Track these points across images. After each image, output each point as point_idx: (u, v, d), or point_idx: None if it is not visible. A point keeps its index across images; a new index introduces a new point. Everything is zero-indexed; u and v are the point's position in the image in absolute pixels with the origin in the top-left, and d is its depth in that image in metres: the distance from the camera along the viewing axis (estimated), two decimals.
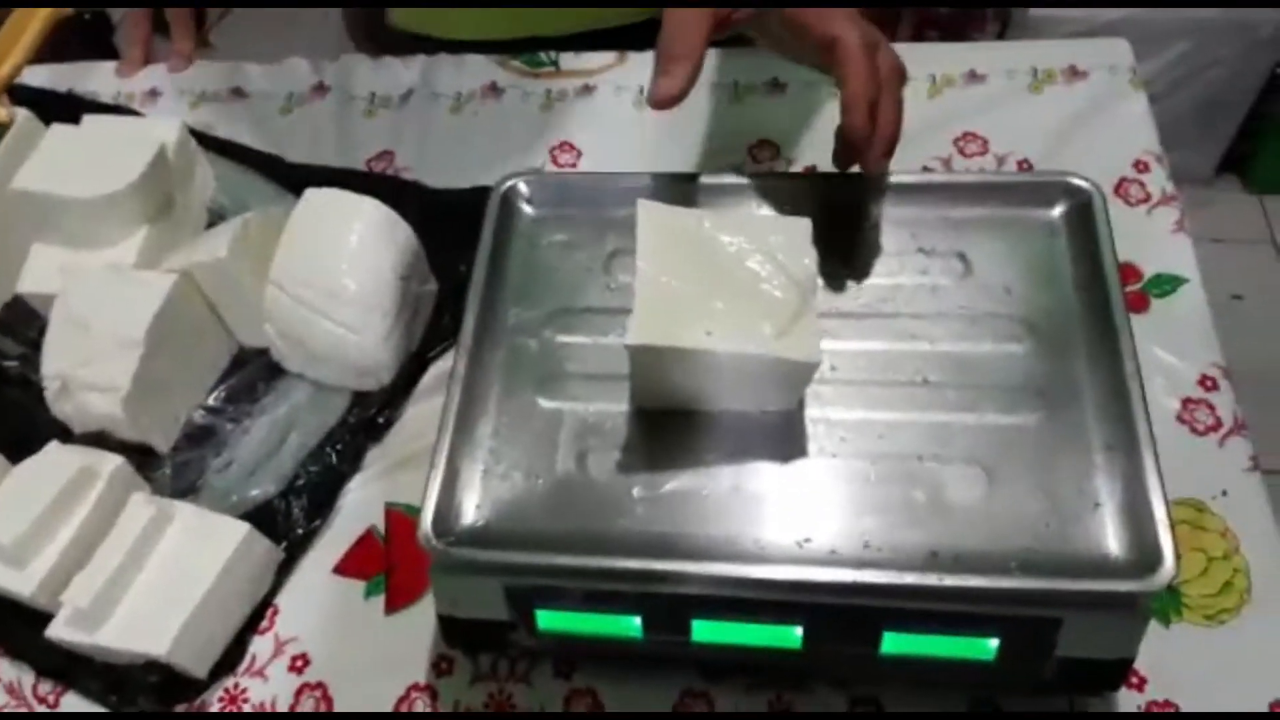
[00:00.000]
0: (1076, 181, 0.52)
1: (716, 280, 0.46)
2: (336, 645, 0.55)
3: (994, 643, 0.46)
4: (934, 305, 0.51)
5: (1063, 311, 0.50)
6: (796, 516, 0.46)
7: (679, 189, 0.55)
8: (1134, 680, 0.50)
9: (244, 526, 0.55)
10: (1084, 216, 0.52)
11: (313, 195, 0.63)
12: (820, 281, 0.49)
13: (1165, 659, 0.51)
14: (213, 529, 0.55)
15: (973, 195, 0.54)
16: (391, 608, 0.56)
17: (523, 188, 0.57)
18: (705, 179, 0.56)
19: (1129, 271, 0.63)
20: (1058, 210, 0.53)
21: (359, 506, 0.60)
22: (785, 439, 0.48)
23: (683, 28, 0.52)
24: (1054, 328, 0.50)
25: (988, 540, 0.44)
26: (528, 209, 0.57)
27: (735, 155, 0.72)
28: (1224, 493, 0.55)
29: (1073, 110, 0.71)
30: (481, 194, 0.68)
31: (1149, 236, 0.65)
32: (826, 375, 0.49)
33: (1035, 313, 0.50)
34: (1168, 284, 0.63)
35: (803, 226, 0.47)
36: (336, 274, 0.61)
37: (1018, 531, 0.44)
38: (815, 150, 0.71)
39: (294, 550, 0.59)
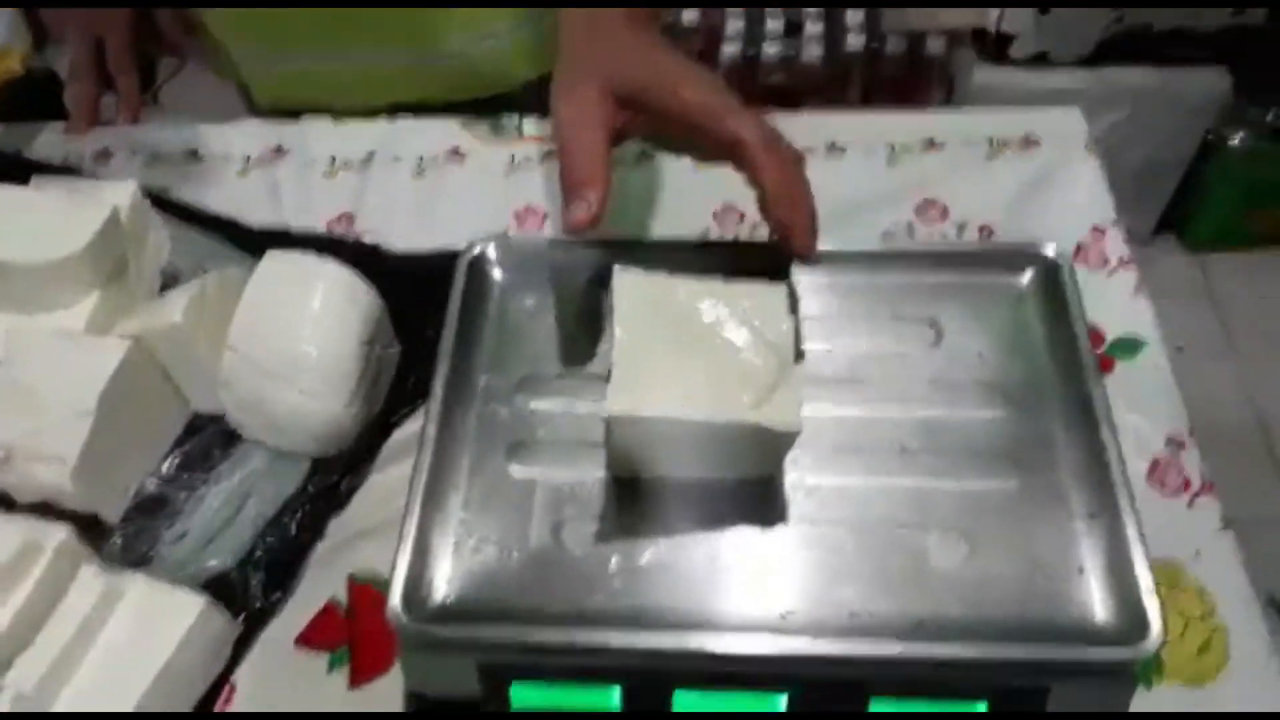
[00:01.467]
0: (1044, 250, 0.53)
1: (694, 348, 0.45)
2: None
3: (981, 707, 0.45)
4: (908, 371, 0.51)
5: (1035, 376, 0.50)
6: (778, 586, 0.45)
7: (650, 254, 0.55)
8: None
9: (201, 599, 0.53)
10: (1052, 283, 0.53)
11: (273, 257, 0.61)
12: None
13: None
14: (167, 602, 0.53)
15: (943, 263, 0.54)
16: (356, 682, 0.54)
17: (492, 252, 0.56)
18: (676, 244, 0.56)
19: (1092, 335, 0.64)
20: (1026, 277, 0.54)
21: (320, 576, 0.58)
22: (764, 506, 0.47)
23: (583, 153, 0.51)
24: (1027, 393, 0.50)
25: (972, 607, 0.44)
26: (497, 273, 0.56)
27: (699, 221, 0.72)
28: (1197, 553, 0.56)
29: (1029, 177, 0.73)
30: (445, 258, 0.67)
31: (1109, 300, 0.66)
32: (804, 441, 0.48)
33: (1008, 378, 0.51)
34: (1130, 347, 0.64)
35: (779, 293, 0.47)
36: (298, 339, 0.59)
37: (1002, 598, 0.44)
38: None
39: (252, 623, 0.56)
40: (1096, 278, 0.67)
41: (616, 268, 0.47)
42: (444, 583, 0.45)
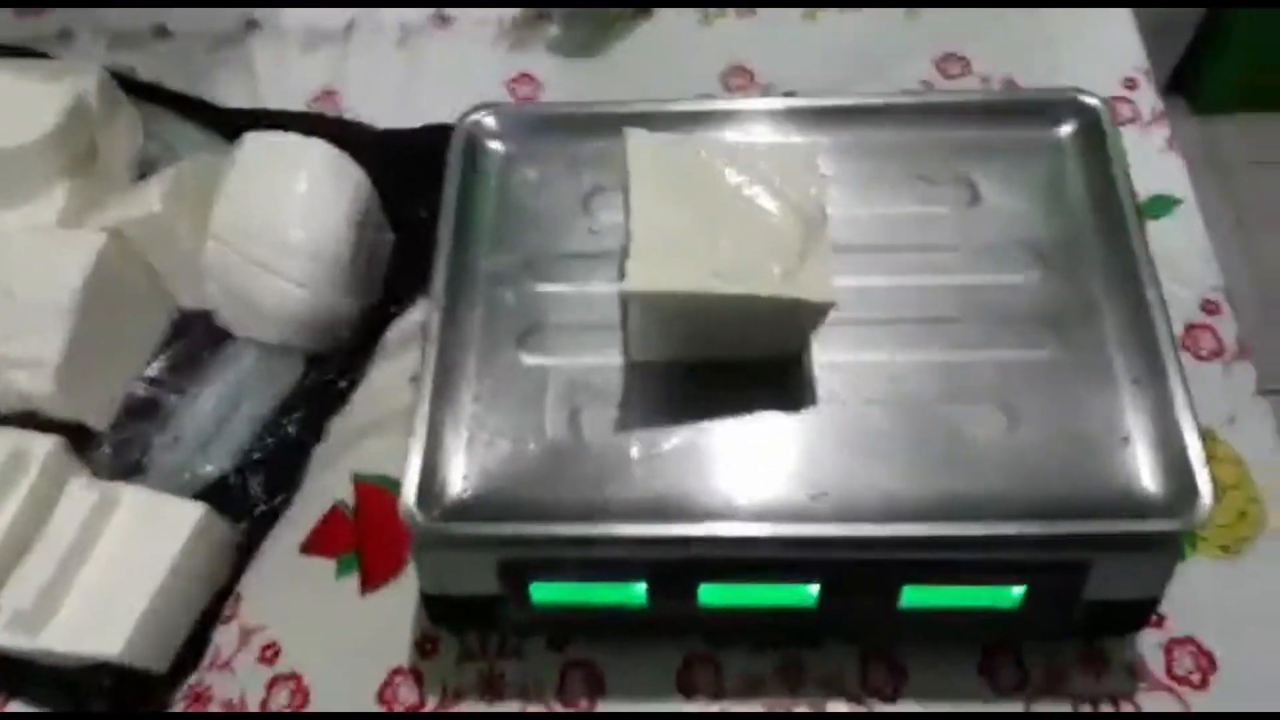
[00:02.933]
0: (1084, 98, 0.49)
1: (717, 216, 0.42)
2: (308, 631, 0.51)
3: (1018, 591, 0.43)
4: (940, 236, 0.48)
5: (1075, 236, 0.47)
6: (808, 469, 0.42)
7: (660, 119, 0.51)
8: (1153, 619, 0.48)
9: (200, 507, 0.51)
10: (1093, 134, 0.49)
11: (254, 139, 0.57)
12: None
13: (1184, 594, 0.48)
14: (164, 511, 0.51)
15: (974, 116, 0.51)
16: (366, 587, 0.52)
17: (489, 122, 0.52)
18: (688, 105, 0.52)
19: None
20: (1065, 129, 0.50)
21: (324, 480, 0.55)
22: (792, 387, 0.44)
23: None
24: (1067, 253, 0.47)
25: (1013, 484, 0.42)
26: (496, 145, 0.52)
27: (707, 83, 0.67)
28: (1231, 419, 0.54)
29: (1057, 27, 0.68)
30: (436, 133, 0.63)
31: (1142, 157, 0.62)
32: (832, 315, 0.45)
33: (1047, 238, 0.47)
34: (1163, 206, 0.61)
35: (806, 153, 0.43)
36: (284, 224, 0.55)
37: (1044, 472, 0.42)
38: (792, 76, 0.67)
39: (255, 531, 0.54)
40: (1128, 133, 0.63)
41: (627, 129, 0.43)
42: (459, 479, 0.43)
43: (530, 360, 0.46)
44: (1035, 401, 0.43)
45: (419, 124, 0.66)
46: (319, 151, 0.57)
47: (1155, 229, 0.60)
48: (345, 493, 0.55)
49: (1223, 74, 1.67)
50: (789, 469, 0.43)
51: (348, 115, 0.68)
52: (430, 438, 0.43)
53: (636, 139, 0.43)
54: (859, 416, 0.43)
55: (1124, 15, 0.68)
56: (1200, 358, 0.55)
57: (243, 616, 0.52)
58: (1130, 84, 0.65)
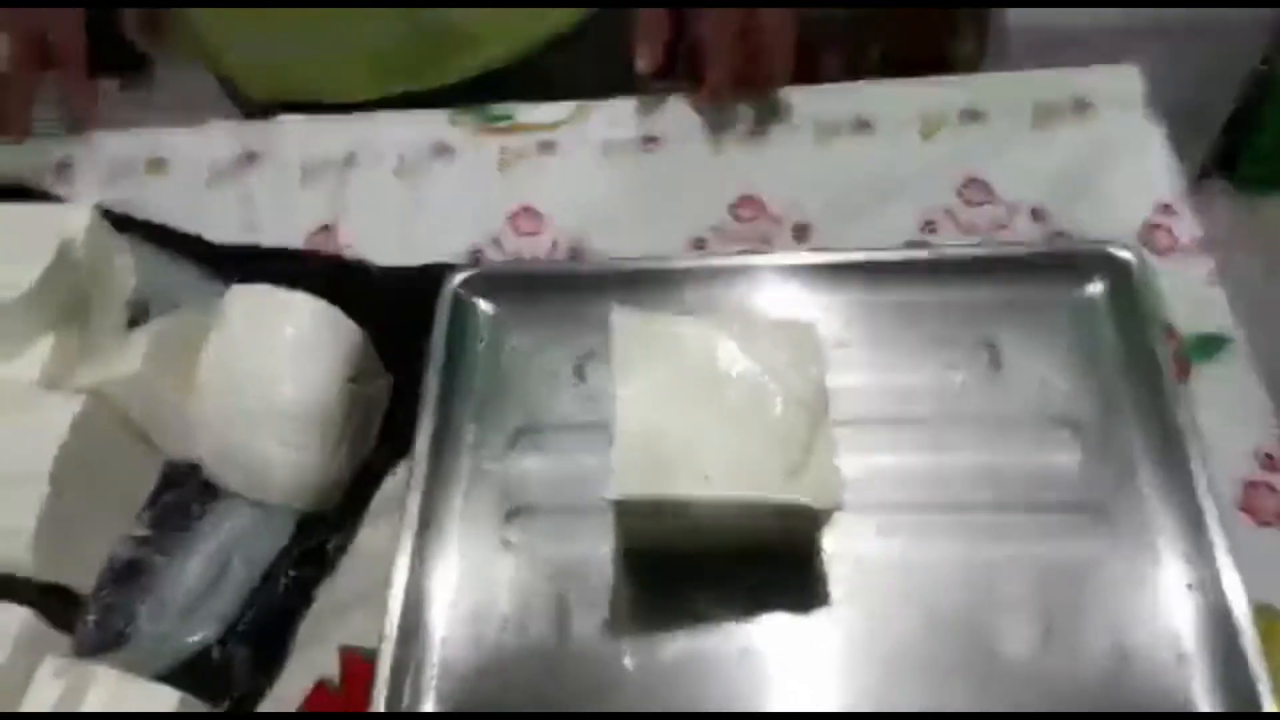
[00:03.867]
0: (1117, 252, 0.46)
1: (709, 405, 0.38)
2: None
3: None
4: (960, 408, 0.44)
5: (1111, 407, 0.43)
6: (821, 689, 0.39)
7: (655, 276, 0.48)
8: None
9: (174, 695, 0.47)
10: (1126, 291, 0.45)
11: (239, 293, 0.55)
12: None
13: None
14: (139, 699, 0.47)
15: (997, 271, 0.47)
16: None
17: (478, 281, 0.49)
18: (686, 263, 0.49)
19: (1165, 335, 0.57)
20: (1096, 286, 0.46)
21: (309, 650, 0.52)
22: (802, 584, 0.41)
23: None
24: (1103, 429, 0.43)
25: (1052, 707, 0.37)
26: (485, 305, 0.49)
27: (716, 214, 0.65)
28: None
29: (1083, 148, 0.65)
30: (435, 272, 0.61)
31: (1182, 292, 0.58)
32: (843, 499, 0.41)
33: (1079, 410, 0.44)
34: (1209, 346, 0.56)
35: (807, 332, 0.40)
36: (272, 384, 0.53)
37: (1087, 695, 0.37)
38: (802, 206, 0.64)
39: (240, 708, 0.51)
40: (1166, 264, 0.59)
41: (615, 309, 0.40)
42: (433, 686, 0.40)
43: (516, 546, 0.43)
44: (1073, 608, 0.39)
45: (419, 258, 0.64)
46: (308, 306, 0.54)
47: (1203, 373, 0.56)
48: (331, 665, 0.52)
49: (1263, 149, 1.63)
50: (799, 688, 0.39)
51: (348, 252, 0.66)
52: (402, 635, 0.40)
53: (623, 321, 0.40)
54: (877, 622, 0.40)
55: (1157, 135, 0.65)
56: (1261, 522, 0.51)
57: None
58: (1167, 209, 0.61)
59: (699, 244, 0.63)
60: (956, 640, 0.39)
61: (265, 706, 0.51)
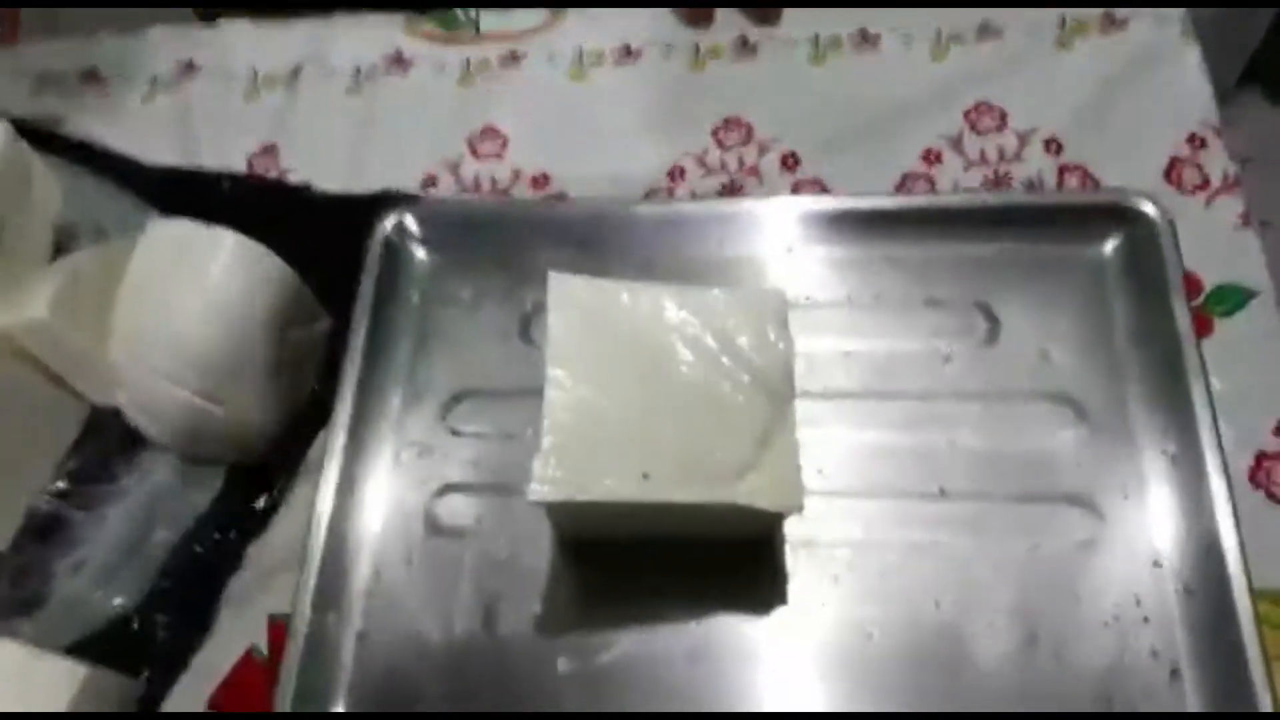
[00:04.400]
0: (1138, 204, 0.40)
1: (655, 388, 0.33)
2: None
3: None
4: (950, 381, 0.39)
5: (1121, 388, 0.38)
6: (778, 699, 0.34)
7: (613, 223, 0.42)
8: None
9: (80, 670, 0.44)
10: (1145, 251, 0.40)
11: (157, 230, 0.50)
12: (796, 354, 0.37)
13: None
14: (44, 673, 0.44)
15: (997, 225, 0.41)
16: None
17: (412, 224, 0.44)
18: (648, 208, 0.43)
19: (1188, 284, 0.51)
20: (1109, 244, 0.40)
21: (238, 617, 0.48)
22: (759, 580, 0.36)
23: None
24: (1110, 412, 0.38)
25: (1032, 707, 0.33)
26: (421, 252, 0.44)
27: (698, 139, 0.58)
28: None
29: (1110, 72, 0.58)
30: (385, 202, 0.55)
31: (1209, 235, 0.52)
32: (810, 482, 0.37)
33: (1083, 389, 0.38)
34: (1233, 298, 0.51)
35: (774, 303, 0.35)
36: (192, 333, 0.48)
37: (1070, 694, 0.33)
38: (794, 130, 0.58)
39: (159, 678, 0.47)
40: (1193, 205, 0.53)
41: (552, 275, 0.35)
42: (342, 692, 0.36)
43: (444, 531, 0.38)
44: (1062, 613, 0.35)
45: (368, 184, 0.58)
46: (232, 245, 0.49)
47: (1224, 329, 0.50)
48: (260, 636, 0.48)
49: None
50: (754, 698, 0.35)
51: (292, 176, 0.60)
52: (313, 630, 0.36)
53: (561, 286, 0.34)
54: (841, 624, 0.35)
55: (1192, 56, 0.58)
56: (1276, 499, 0.46)
57: None
58: (1198, 143, 0.55)
59: (675, 174, 0.57)
60: (928, 644, 0.34)
61: (189, 676, 0.47)
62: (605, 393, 0.33)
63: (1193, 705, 0.33)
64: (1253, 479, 0.46)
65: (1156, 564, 0.35)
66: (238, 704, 0.47)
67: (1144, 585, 0.35)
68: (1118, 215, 0.40)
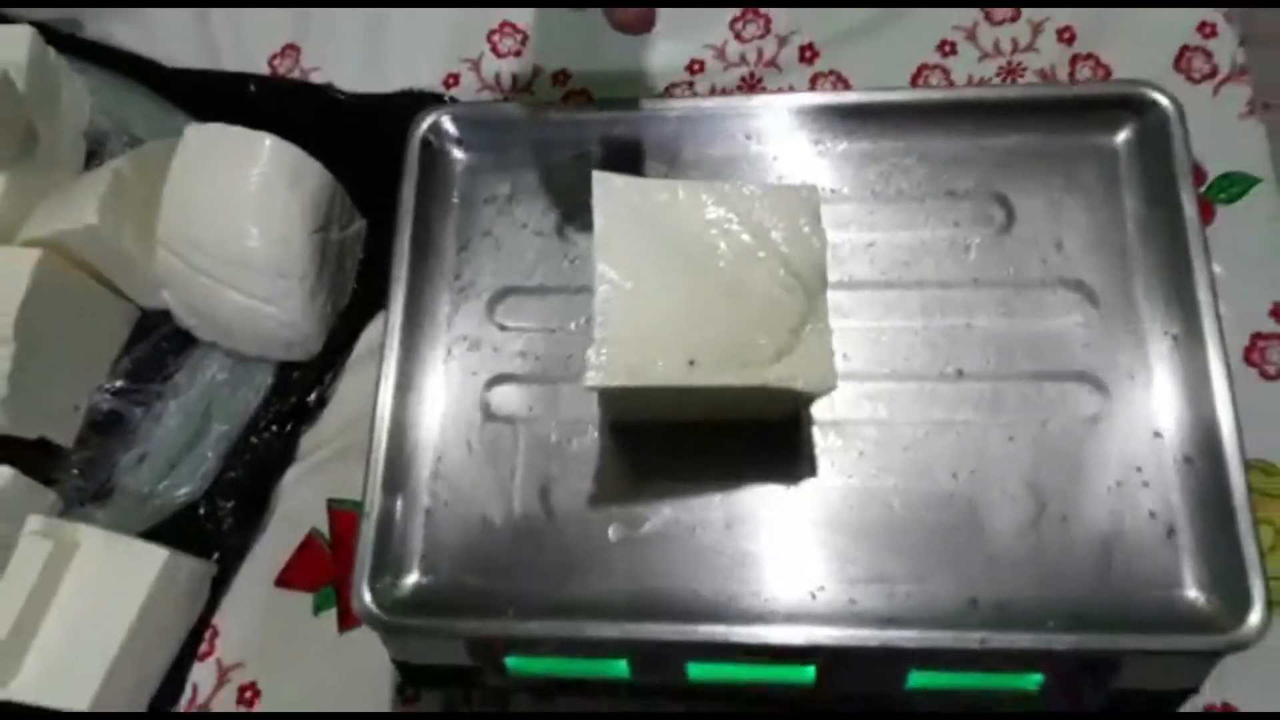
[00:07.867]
0: (1150, 94, 0.41)
1: (697, 280, 0.36)
2: (286, 671, 0.49)
3: (1037, 678, 0.39)
4: (968, 269, 0.41)
5: (1129, 274, 0.40)
6: (807, 558, 0.38)
7: (648, 120, 0.44)
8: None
9: (162, 553, 0.47)
10: (1156, 140, 0.41)
11: (196, 134, 0.51)
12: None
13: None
14: (127, 556, 0.48)
15: (1013, 116, 0.43)
16: (345, 625, 0.49)
17: (449, 126, 0.45)
18: (674, 105, 0.45)
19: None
20: (1122, 135, 0.42)
21: (297, 505, 0.52)
22: (790, 456, 0.39)
23: None
24: (1119, 296, 0.40)
25: (1038, 583, 0.37)
26: (458, 153, 0.46)
27: (716, 31, 0.59)
28: None
29: None
30: (410, 101, 0.57)
31: (1215, 124, 0.54)
32: (837, 366, 0.39)
33: (1095, 276, 0.41)
34: (1236, 186, 0.53)
35: (807, 199, 0.37)
36: (236, 235, 0.50)
37: (1075, 571, 0.37)
38: (811, 22, 0.59)
39: (228, 561, 0.51)
40: (1200, 93, 0.55)
41: (596, 175, 0.37)
42: (415, 563, 0.39)
43: (498, 418, 0.41)
44: (1069, 481, 0.38)
45: (390, 83, 0.59)
46: (272, 149, 0.50)
47: (1226, 217, 0.52)
48: (320, 519, 0.52)
49: None
50: (785, 557, 0.38)
51: (314, 76, 0.61)
52: (383, 514, 0.39)
53: (605, 186, 0.36)
54: (865, 494, 0.38)
55: None
56: (1266, 376, 0.49)
57: (220, 652, 0.50)
58: (1208, 30, 0.56)
59: (695, 67, 0.59)
60: (945, 513, 0.38)
61: (253, 561, 0.51)
62: (650, 286, 0.35)
63: (1186, 561, 0.36)
64: (1247, 358, 0.49)
65: (1157, 435, 0.38)
66: (305, 581, 0.50)
67: (1145, 455, 0.38)
68: (1130, 105, 0.42)
